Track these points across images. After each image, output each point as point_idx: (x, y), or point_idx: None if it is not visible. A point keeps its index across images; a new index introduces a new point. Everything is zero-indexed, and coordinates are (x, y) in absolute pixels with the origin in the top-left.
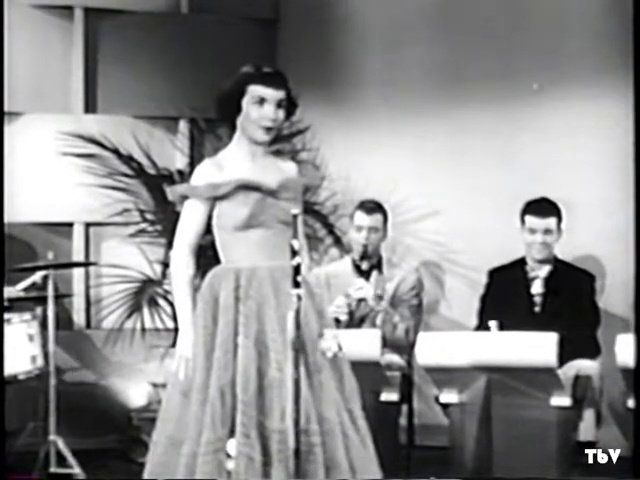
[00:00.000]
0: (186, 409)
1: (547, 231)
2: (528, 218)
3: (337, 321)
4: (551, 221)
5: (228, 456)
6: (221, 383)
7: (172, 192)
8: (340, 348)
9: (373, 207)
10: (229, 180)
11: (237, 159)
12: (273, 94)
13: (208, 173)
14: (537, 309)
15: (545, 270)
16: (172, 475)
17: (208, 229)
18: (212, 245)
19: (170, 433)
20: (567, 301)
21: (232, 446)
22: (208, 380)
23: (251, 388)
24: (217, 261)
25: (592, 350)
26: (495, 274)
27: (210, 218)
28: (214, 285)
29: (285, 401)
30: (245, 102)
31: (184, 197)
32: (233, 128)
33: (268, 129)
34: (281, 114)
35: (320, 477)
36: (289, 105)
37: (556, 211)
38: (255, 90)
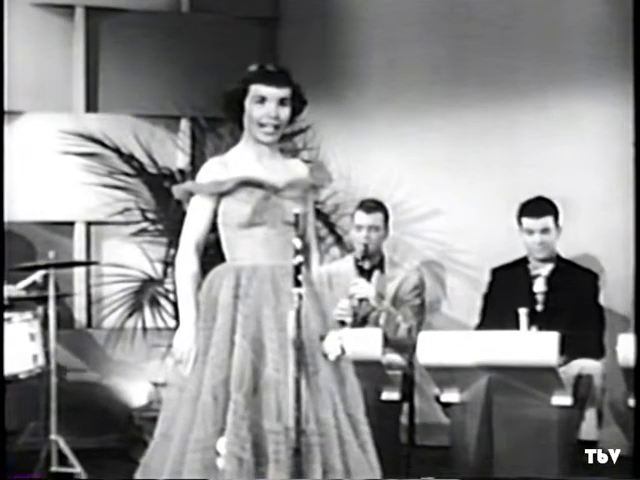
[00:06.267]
0: (179, 406)
1: (544, 230)
2: (524, 220)
3: (342, 324)
4: (548, 220)
5: (218, 454)
6: (215, 381)
7: (177, 190)
8: (344, 351)
9: (373, 206)
10: (233, 177)
11: (243, 158)
12: (274, 92)
13: (214, 171)
14: (539, 307)
15: (547, 268)
16: (161, 472)
17: (213, 227)
18: (215, 244)
19: (163, 430)
20: (570, 299)
21: (222, 444)
22: (202, 378)
23: (245, 387)
24: (221, 260)
25: (596, 350)
26: (497, 272)
27: (215, 216)
28: (215, 283)
29: (282, 401)
30: (247, 101)
31: (189, 194)
32: (240, 128)
33: (271, 128)
34: (284, 112)
35: (318, 477)
36: (296, 103)
37: (552, 209)
38: (256, 89)
